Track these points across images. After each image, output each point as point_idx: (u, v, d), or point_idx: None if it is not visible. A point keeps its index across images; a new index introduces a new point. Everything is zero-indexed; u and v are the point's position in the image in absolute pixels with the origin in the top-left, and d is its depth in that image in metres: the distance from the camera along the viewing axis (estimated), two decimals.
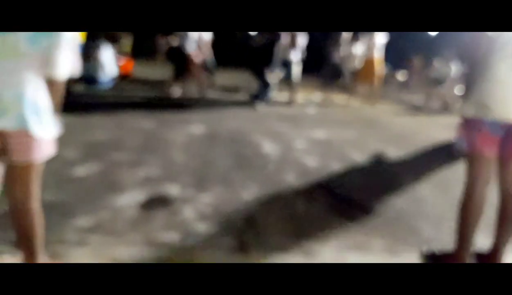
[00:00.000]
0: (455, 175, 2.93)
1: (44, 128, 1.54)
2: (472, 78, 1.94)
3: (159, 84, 8.04)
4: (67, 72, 1.58)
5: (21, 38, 1.44)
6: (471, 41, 1.92)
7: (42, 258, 1.71)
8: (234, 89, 8.88)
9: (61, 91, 1.60)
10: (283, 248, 2.20)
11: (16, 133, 1.49)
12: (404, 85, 11.17)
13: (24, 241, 1.65)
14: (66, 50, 1.54)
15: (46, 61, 1.50)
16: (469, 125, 1.94)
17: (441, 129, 6.04)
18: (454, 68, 8.40)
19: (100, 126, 4.58)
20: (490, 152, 1.90)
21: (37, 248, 1.66)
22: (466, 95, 1.97)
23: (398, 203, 2.98)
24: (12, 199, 1.61)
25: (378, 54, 7.87)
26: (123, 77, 8.81)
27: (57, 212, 2.32)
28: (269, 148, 4.26)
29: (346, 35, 8.81)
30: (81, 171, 3.12)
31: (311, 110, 7.10)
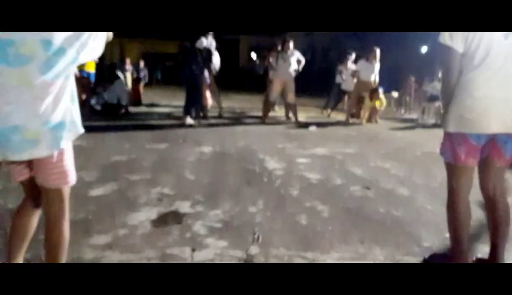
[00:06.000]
0: None
1: (71, 133, 1.57)
2: (451, 94, 1.92)
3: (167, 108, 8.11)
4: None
5: (32, 69, 1.41)
6: (447, 59, 1.90)
7: None
8: (239, 112, 8.94)
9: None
10: (288, 259, 2.16)
11: (48, 161, 1.52)
12: (399, 102, 11.17)
13: (52, 255, 1.65)
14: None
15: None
16: (452, 138, 1.92)
17: (438, 141, 5.95)
18: None
19: (116, 149, 4.62)
20: (473, 162, 1.90)
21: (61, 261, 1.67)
22: (447, 111, 1.95)
23: (398, 213, 2.93)
24: (47, 215, 1.65)
25: (372, 77, 7.91)
26: (134, 103, 9.00)
27: (75, 231, 2.31)
28: (274, 164, 4.25)
29: (350, 59, 8.96)
30: (99, 191, 3.12)
31: (313, 128, 7.09)
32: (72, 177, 1.63)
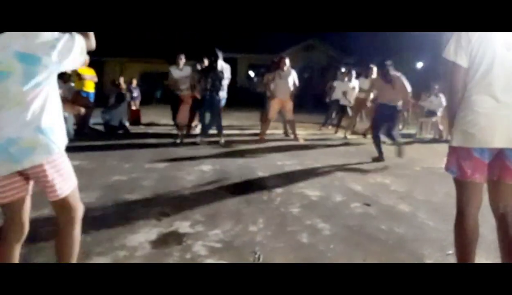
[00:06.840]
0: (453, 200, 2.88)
1: (60, 141, 1.59)
2: (456, 109, 1.90)
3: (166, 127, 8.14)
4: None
5: (12, 83, 1.44)
6: (452, 74, 1.89)
7: None
8: (238, 129, 8.96)
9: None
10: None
11: (42, 174, 1.53)
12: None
13: (64, 258, 1.69)
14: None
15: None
16: (458, 153, 1.89)
17: (437, 156, 5.98)
18: (444, 99, 8.47)
19: (116, 169, 4.61)
20: (480, 177, 1.85)
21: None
22: (452, 126, 1.93)
23: (400, 230, 2.91)
24: (59, 222, 1.68)
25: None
26: (132, 122, 9.06)
27: None
28: (274, 182, 4.23)
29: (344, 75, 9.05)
30: (98, 212, 3.10)
31: (313, 145, 7.09)
32: (71, 183, 1.65)
